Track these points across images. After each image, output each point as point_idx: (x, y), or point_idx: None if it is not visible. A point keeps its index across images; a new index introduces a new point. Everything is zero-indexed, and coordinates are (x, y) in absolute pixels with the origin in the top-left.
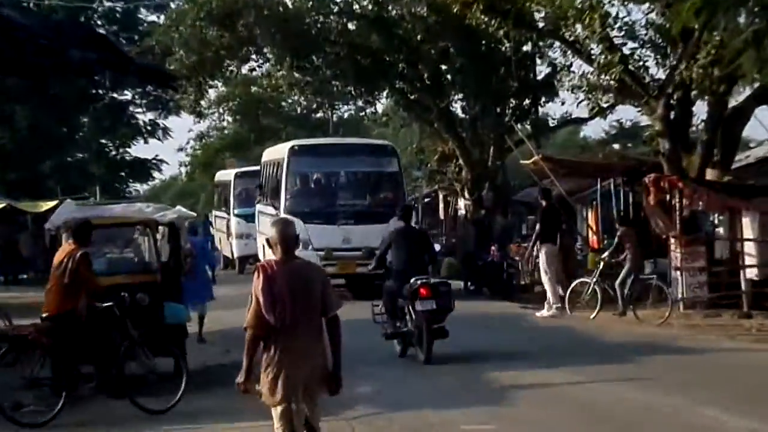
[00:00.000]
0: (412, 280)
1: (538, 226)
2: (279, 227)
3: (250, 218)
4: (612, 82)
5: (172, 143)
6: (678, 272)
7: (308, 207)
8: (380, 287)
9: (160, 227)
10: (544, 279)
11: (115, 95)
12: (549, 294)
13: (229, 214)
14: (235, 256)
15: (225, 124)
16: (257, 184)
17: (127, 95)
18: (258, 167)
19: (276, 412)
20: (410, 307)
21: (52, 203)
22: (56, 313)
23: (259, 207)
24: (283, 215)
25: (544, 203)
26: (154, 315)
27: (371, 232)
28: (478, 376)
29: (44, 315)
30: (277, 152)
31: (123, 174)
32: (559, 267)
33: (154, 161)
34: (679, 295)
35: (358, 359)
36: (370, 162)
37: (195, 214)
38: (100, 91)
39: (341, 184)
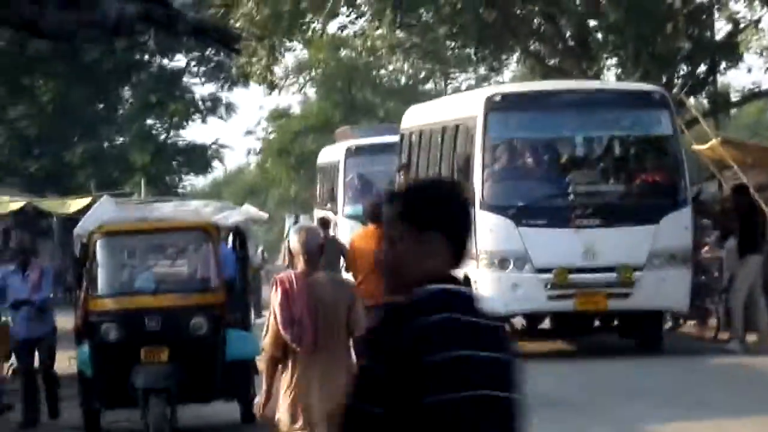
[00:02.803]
0: None
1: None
2: (302, 236)
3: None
4: None
5: (237, 123)
6: None
7: (522, 198)
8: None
9: (223, 233)
10: (736, 300)
11: (164, 61)
12: (737, 321)
13: (336, 213)
14: None
15: (305, 97)
16: (400, 165)
17: (180, 61)
18: (386, 138)
19: None
20: None
21: (84, 201)
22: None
23: None
24: (481, 212)
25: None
26: (214, 346)
27: (631, 239)
28: (632, 428)
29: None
30: (451, 109)
31: (175, 163)
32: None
33: (214, 146)
34: None
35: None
36: (626, 120)
37: (267, 215)
38: (145, 57)
39: (577, 158)
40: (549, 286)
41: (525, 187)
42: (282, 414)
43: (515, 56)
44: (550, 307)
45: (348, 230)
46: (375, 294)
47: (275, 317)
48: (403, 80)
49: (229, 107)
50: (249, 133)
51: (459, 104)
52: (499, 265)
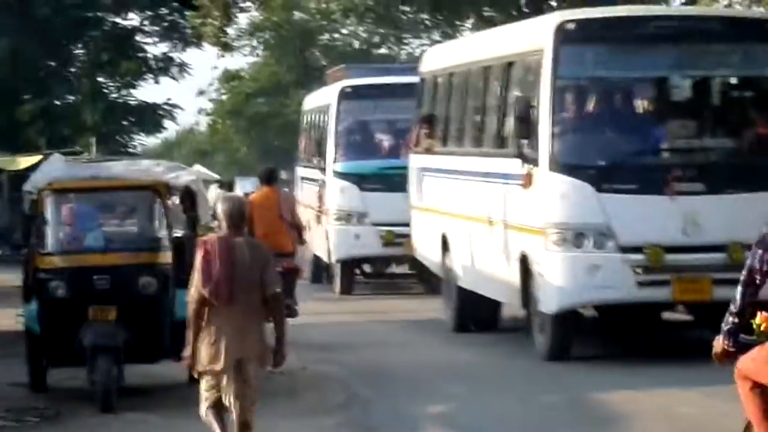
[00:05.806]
0: None
1: None
2: (227, 204)
3: (366, 179)
4: None
5: (190, 84)
6: None
7: (603, 156)
8: None
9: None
10: None
11: (117, 20)
12: None
13: (324, 171)
14: (333, 258)
15: (258, 59)
16: (421, 116)
17: (133, 20)
18: (392, 78)
19: (204, 383)
20: None
21: (34, 159)
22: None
23: (417, 159)
24: (550, 173)
25: None
26: (162, 306)
27: (744, 209)
28: (581, 396)
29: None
30: (501, 43)
31: (126, 123)
32: None
33: (166, 107)
34: None
35: (431, 373)
36: (736, 56)
37: (218, 176)
38: (98, 14)
39: (674, 105)
40: (639, 270)
41: (607, 142)
42: (200, 356)
43: (469, 23)
44: (641, 297)
45: (338, 193)
46: (282, 244)
47: (197, 274)
48: (356, 44)
49: (182, 67)
50: (201, 93)
51: (514, 37)
52: (574, 242)
